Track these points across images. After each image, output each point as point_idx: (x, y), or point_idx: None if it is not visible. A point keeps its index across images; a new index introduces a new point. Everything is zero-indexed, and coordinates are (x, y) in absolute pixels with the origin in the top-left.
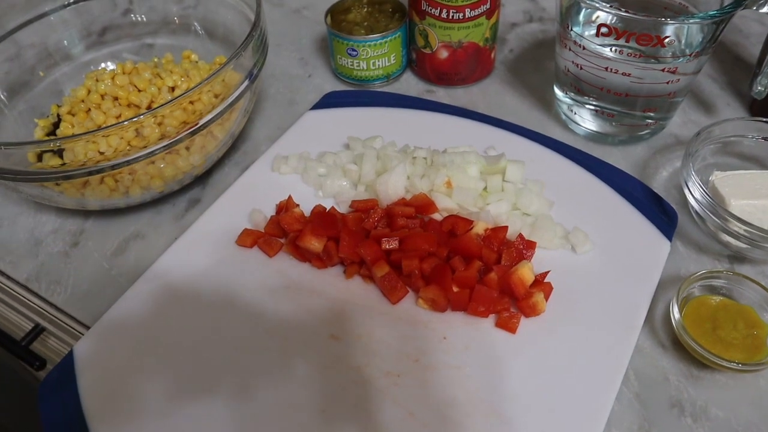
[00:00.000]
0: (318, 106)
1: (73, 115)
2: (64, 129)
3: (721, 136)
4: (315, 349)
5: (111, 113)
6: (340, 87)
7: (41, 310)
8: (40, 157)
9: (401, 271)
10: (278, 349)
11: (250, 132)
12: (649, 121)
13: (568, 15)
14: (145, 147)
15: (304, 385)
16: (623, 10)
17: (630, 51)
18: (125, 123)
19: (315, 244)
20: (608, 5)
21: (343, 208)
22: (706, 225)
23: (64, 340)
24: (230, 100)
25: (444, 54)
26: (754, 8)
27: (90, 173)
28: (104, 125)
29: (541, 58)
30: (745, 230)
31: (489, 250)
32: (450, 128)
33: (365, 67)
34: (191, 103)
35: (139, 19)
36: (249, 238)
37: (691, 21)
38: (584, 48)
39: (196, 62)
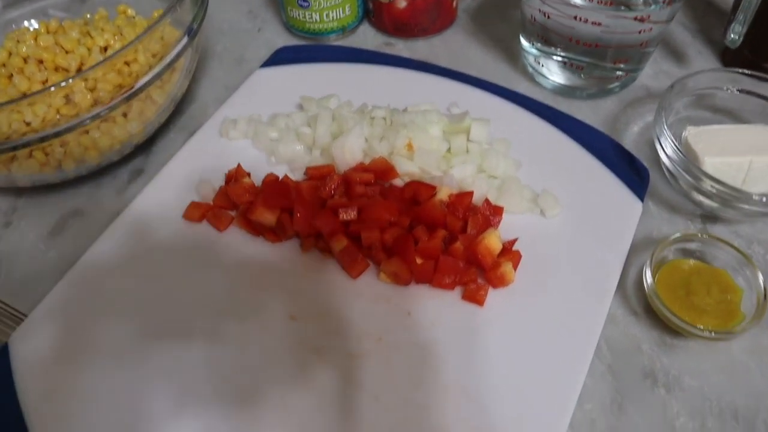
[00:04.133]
0: (269, 63)
1: None
2: None
3: (695, 89)
4: (273, 331)
5: (36, 78)
6: (293, 41)
7: None
8: None
9: (361, 243)
10: (234, 334)
11: (196, 93)
12: (620, 72)
13: None
14: (77, 115)
15: (263, 371)
16: None
17: None
18: (52, 89)
19: (267, 216)
20: None
21: (297, 175)
22: (678, 184)
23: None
24: (169, 59)
25: (402, 3)
26: None
27: (15, 148)
28: (29, 92)
29: (506, 5)
30: (717, 189)
31: (454, 218)
32: (410, 84)
33: (318, 20)
34: (127, 64)
35: None
36: (197, 212)
37: None
38: None
39: (133, 17)
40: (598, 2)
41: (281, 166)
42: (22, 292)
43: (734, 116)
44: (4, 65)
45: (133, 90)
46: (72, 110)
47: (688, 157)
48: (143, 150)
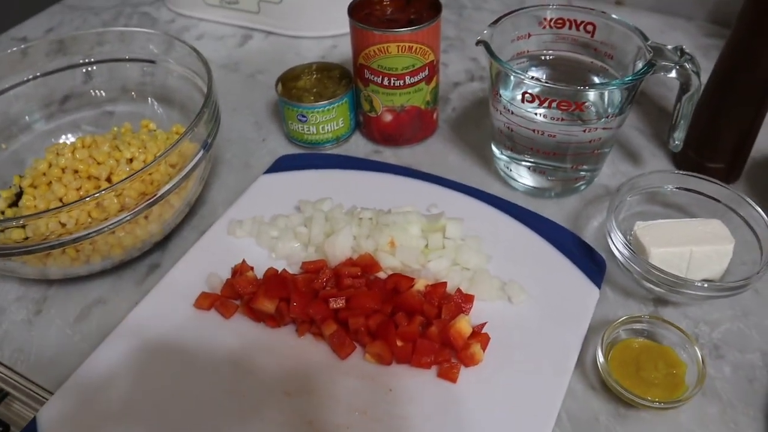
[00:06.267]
0: (271, 169)
1: (35, 187)
2: (26, 201)
3: (644, 188)
4: (270, 406)
5: (71, 186)
6: (293, 150)
7: (5, 376)
8: (2, 230)
9: (348, 328)
10: (237, 408)
11: (208, 196)
12: (582, 173)
13: (497, 81)
14: (106, 218)
15: None
16: (543, 80)
17: (553, 116)
18: (87, 199)
19: (267, 305)
20: (530, 77)
21: (294, 269)
22: (630, 273)
23: (29, 404)
24: (186, 169)
25: (388, 117)
26: (662, 74)
27: (52, 247)
28: (65, 197)
29: (481, 116)
30: (663, 278)
31: (430, 306)
32: (395, 187)
33: (315, 132)
34: (149, 174)
35: (98, 86)
36: (206, 301)
37: (606, 88)
38: (513, 113)
39: (154, 130)
40: (552, 119)
41: (280, 261)
42: (50, 372)
43: (681, 210)
44: (44, 174)
45: (155, 197)
46: (102, 214)
47: (637, 249)
48: (160, 246)
